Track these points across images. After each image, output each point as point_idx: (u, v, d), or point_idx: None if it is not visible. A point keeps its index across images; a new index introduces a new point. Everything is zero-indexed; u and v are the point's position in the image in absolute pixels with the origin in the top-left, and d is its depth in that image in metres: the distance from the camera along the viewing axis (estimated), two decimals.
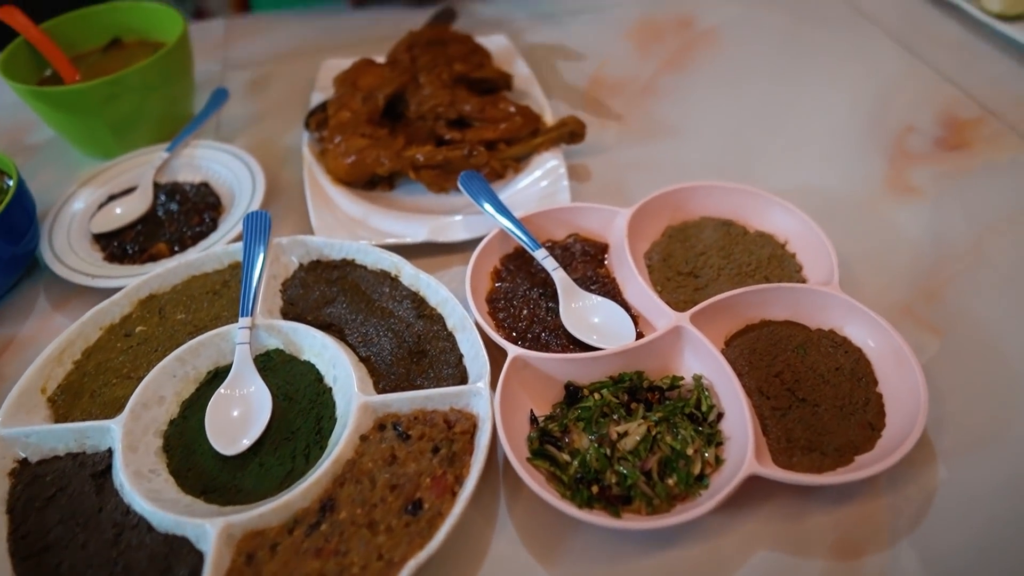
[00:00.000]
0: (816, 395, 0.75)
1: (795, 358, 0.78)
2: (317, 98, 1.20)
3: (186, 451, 0.75)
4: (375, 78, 1.08)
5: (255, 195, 1.02)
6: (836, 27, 1.43)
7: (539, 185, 1.01)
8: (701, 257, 0.90)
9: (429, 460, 0.70)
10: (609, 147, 1.13)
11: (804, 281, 0.86)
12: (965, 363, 0.81)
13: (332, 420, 0.76)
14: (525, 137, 1.05)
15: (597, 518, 0.65)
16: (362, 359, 0.81)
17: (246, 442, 0.74)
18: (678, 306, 0.81)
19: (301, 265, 0.92)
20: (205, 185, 1.09)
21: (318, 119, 1.10)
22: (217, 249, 0.93)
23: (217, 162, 1.11)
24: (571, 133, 1.06)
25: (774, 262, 0.88)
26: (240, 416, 0.76)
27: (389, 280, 0.89)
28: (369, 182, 1.04)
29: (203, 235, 1.01)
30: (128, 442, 0.73)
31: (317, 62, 1.31)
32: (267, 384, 0.78)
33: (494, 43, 1.31)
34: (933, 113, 1.18)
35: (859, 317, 0.79)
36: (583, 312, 0.83)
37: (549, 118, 1.11)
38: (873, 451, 0.70)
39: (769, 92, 1.25)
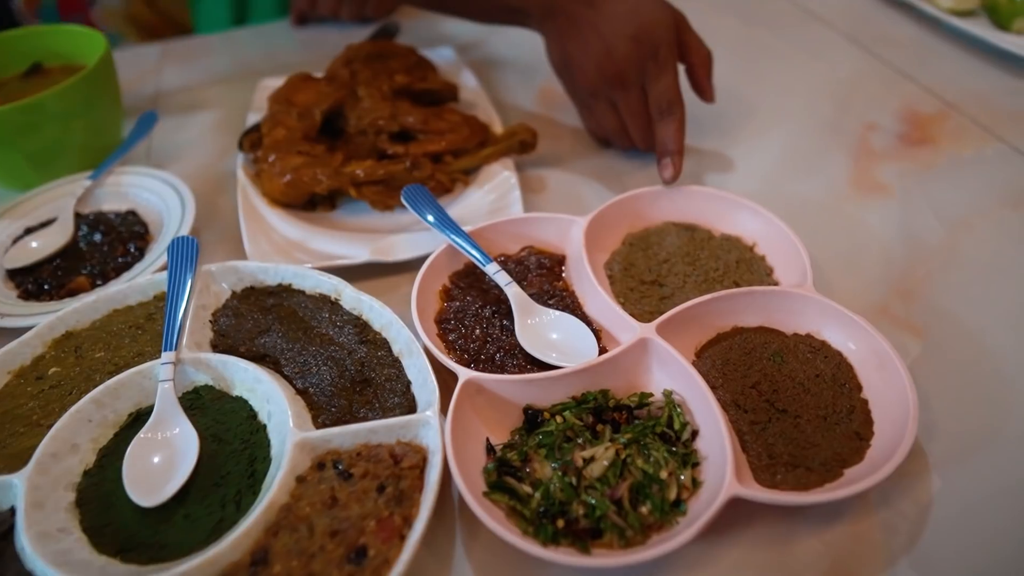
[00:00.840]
0: (797, 405, 0.69)
1: (772, 367, 0.72)
2: (253, 119, 1.13)
3: (102, 505, 0.67)
4: (311, 93, 1.02)
5: (184, 221, 0.94)
6: (788, 29, 1.40)
7: (489, 198, 0.95)
8: (665, 265, 0.84)
9: (374, 501, 0.63)
10: (563, 157, 1.08)
11: (776, 284, 0.81)
12: (950, 364, 0.76)
13: (267, 461, 0.68)
14: (473, 149, 0.99)
15: (564, 556, 0.58)
16: (299, 392, 0.74)
17: (169, 491, 0.66)
18: (643, 317, 0.75)
19: (234, 293, 0.85)
20: (132, 214, 1.01)
21: (252, 139, 1.03)
22: (141, 280, 0.85)
23: (145, 189, 1.03)
24: (522, 143, 1.00)
25: (743, 266, 0.83)
26: (162, 462, 0.68)
27: (329, 305, 0.82)
28: (308, 203, 0.97)
29: (128, 266, 0.93)
30: (33, 498, 0.64)
31: (257, 83, 1.24)
32: (194, 425, 0.70)
33: (440, 56, 1.26)
34: (893, 110, 1.15)
35: (837, 319, 0.74)
36: (540, 329, 0.76)
37: (499, 129, 1.05)
38: (862, 463, 0.64)
39: (724, 97, 1.21)
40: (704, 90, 1.01)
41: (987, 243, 0.90)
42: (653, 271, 0.83)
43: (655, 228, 0.89)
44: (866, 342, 0.71)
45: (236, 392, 0.74)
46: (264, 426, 0.71)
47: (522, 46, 1.39)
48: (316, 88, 1.03)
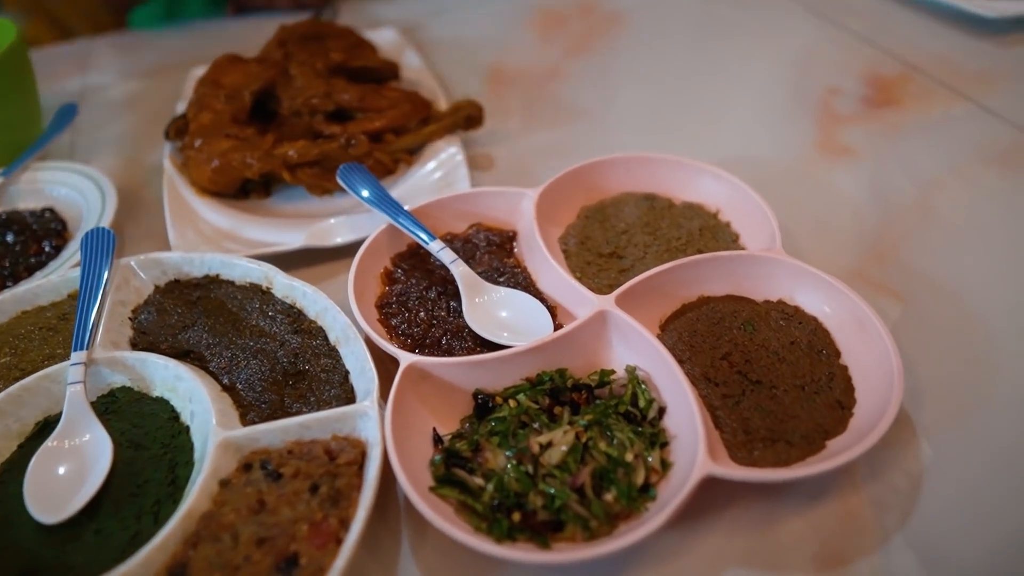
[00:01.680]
0: (772, 376, 0.63)
1: (743, 336, 0.66)
2: (183, 109, 1.05)
3: (2, 526, 0.59)
4: (240, 74, 0.95)
5: (104, 214, 0.86)
6: (747, 1, 1.36)
7: (434, 176, 0.89)
8: (623, 236, 0.78)
9: (306, 503, 0.56)
10: (513, 134, 1.02)
11: (743, 250, 0.75)
12: (932, 326, 0.71)
13: (189, 466, 0.61)
14: (415, 126, 0.93)
15: (521, 553, 0.51)
16: (225, 388, 0.67)
17: (75, 505, 0.58)
18: (601, 291, 0.69)
19: (157, 287, 0.77)
20: (50, 211, 0.93)
21: (178, 126, 0.95)
22: (54, 278, 0.77)
23: (65, 185, 0.95)
24: (468, 118, 0.94)
25: (707, 233, 0.77)
26: (70, 473, 0.60)
27: (260, 294, 0.74)
28: (241, 190, 0.90)
29: (42, 265, 0.84)
30: None
31: (188, 74, 1.16)
32: (108, 430, 0.63)
33: (382, 38, 1.19)
34: (855, 74, 1.10)
35: (810, 282, 0.68)
36: (489, 307, 0.70)
37: (444, 106, 0.99)
38: (846, 433, 0.59)
39: (683, 69, 1.16)
40: None
41: (962, 201, 0.86)
42: (611, 243, 0.77)
43: (612, 199, 0.83)
44: (843, 305, 0.66)
45: (156, 393, 0.67)
46: (187, 428, 0.64)
47: (467, 26, 1.33)
48: (245, 69, 0.96)
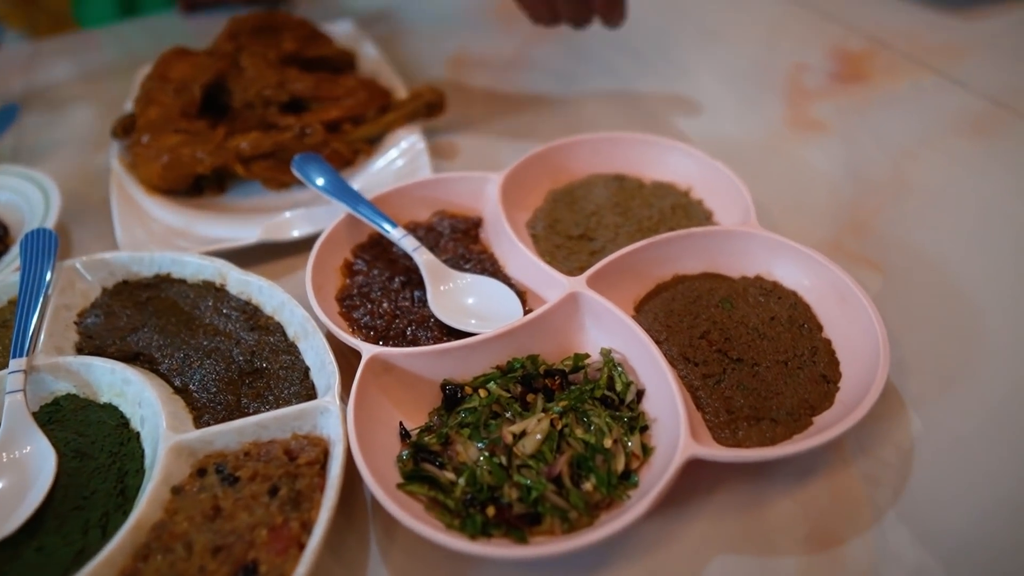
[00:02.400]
0: (753, 353, 0.60)
1: (721, 314, 0.63)
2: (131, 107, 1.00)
3: None
4: (188, 67, 0.91)
5: (48, 217, 0.82)
6: None
7: (395, 166, 0.85)
8: (593, 218, 0.75)
9: (265, 507, 0.52)
10: (475, 120, 0.99)
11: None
12: (914, 296, 0.68)
13: (140, 474, 0.57)
14: (374, 115, 0.89)
15: (497, 549, 0.48)
16: (177, 390, 0.63)
17: (15, 521, 0.54)
18: (572, 273, 0.66)
19: (104, 290, 0.73)
20: None
21: (125, 123, 0.91)
22: None
23: (5, 189, 0.90)
24: (428, 105, 0.90)
25: (679, 212, 0.75)
26: (9, 488, 0.56)
27: (214, 292, 0.70)
28: (194, 187, 0.86)
29: None
30: None
31: (137, 73, 1.12)
32: (52, 441, 0.58)
33: (338, 29, 1.15)
34: (822, 50, 1.09)
35: (788, 255, 0.66)
36: (455, 295, 0.66)
37: (402, 95, 0.96)
38: (833, 408, 0.56)
39: (647, 52, 1.14)
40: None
41: (936, 172, 0.84)
42: (580, 225, 0.74)
43: (580, 181, 0.81)
44: (822, 277, 0.64)
45: (104, 399, 0.63)
46: (137, 434, 0.60)
47: (427, 17, 1.29)
48: (194, 61, 0.92)
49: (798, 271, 0.65)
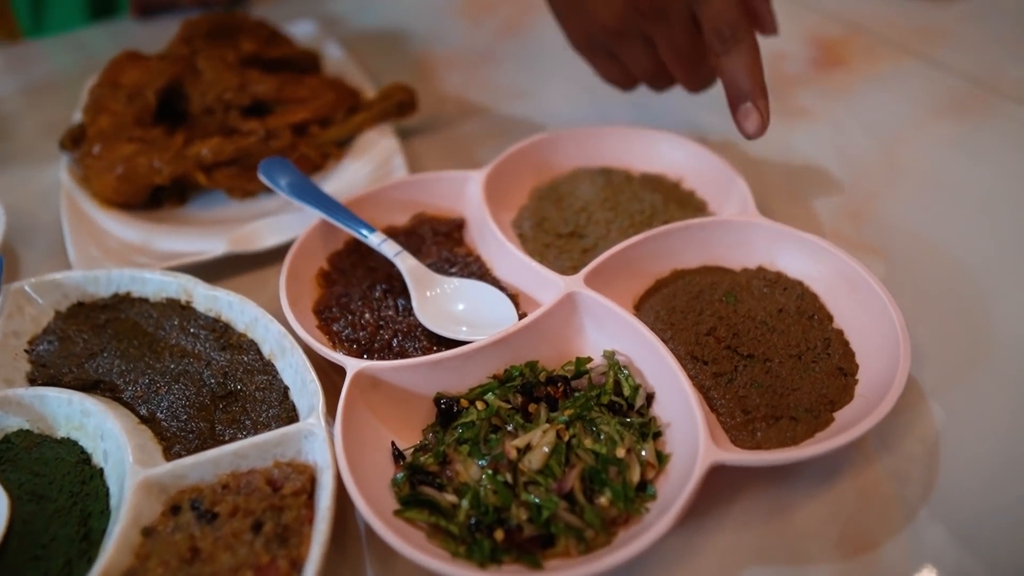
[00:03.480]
0: (764, 348, 0.57)
1: (726, 308, 0.60)
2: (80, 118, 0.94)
3: None
4: (141, 72, 0.85)
5: None
6: None
7: (367, 169, 0.81)
8: (582, 214, 0.71)
9: (249, 545, 0.47)
10: (450, 120, 0.94)
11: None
12: (919, 281, 0.66)
13: (105, 516, 0.52)
14: (342, 117, 0.85)
15: None
16: (144, 420, 0.57)
17: None
18: (566, 272, 0.62)
19: (58, 314, 0.67)
20: None
21: (74, 134, 0.85)
22: None
23: None
24: (399, 104, 0.86)
25: (672, 205, 0.71)
26: None
27: (179, 310, 0.65)
28: (152, 199, 0.80)
29: None
30: None
31: (86, 83, 1.05)
32: (3, 483, 0.53)
33: (300, 31, 1.10)
34: (799, 38, 1.06)
35: (791, 244, 0.63)
36: (442, 301, 0.62)
37: (371, 95, 0.91)
38: (854, 402, 0.53)
39: None
40: (764, 16, 0.75)
41: (926, 154, 0.82)
42: (570, 222, 0.71)
43: (564, 177, 0.77)
44: (829, 265, 0.61)
45: (61, 433, 0.57)
46: (100, 471, 0.54)
47: (391, 18, 1.25)
48: (146, 66, 0.86)
49: (802, 260, 0.62)
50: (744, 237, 0.64)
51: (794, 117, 0.90)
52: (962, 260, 0.67)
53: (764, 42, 1.05)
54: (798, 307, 0.60)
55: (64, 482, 0.54)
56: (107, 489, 0.53)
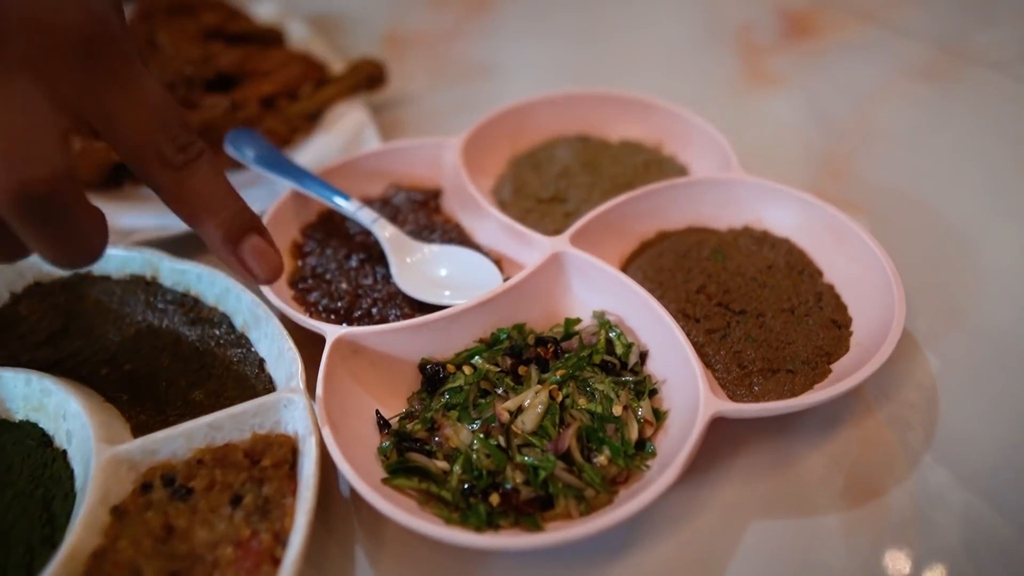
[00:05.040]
0: (756, 303, 0.55)
1: (714, 266, 0.59)
2: None
3: None
4: None
5: None
6: None
7: (338, 142, 0.77)
8: (562, 179, 0.70)
9: (228, 519, 0.44)
10: (420, 95, 0.92)
11: None
12: (903, 234, 0.65)
13: (70, 499, 0.48)
14: (311, 90, 0.82)
15: (511, 539, 0.41)
16: (109, 399, 0.54)
17: None
18: (549, 236, 0.60)
19: (13, 294, 0.63)
20: None
21: None
22: None
23: None
24: (368, 78, 0.83)
25: (653, 167, 0.70)
26: None
27: (144, 286, 0.62)
28: (112, 179, 0.76)
29: None
30: None
31: None
32: None
33: (261, 10, 1.06)
34: (766, 10, 1.06)
35: (776, 199, 0.61)
36: (423, 266, 0.60)
37: (339, 70, 0.88)
38: (850, 353, 0.52)
39: (588, 18, 1.09)
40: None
41: (900, 116, 0.82)
42: (549, 187, 0.69)
43: (541, 144, 0.75)
44: (816, 219, 0.60)
45: (19, 416, 0.53)
46: (63, 452, 0.51)
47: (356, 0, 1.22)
48: None
49: (789, 216, 0.61)
50: (729, 195, 0.63)
51: (767, 84, 0.89)
52: (942, 213, 0.67)
53: (730, 15, 1.05)
54: (787, 262, 0.58)
55: (23, 467, 0.50)
56: (71, 471, 0.50)
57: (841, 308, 0.55)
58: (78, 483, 0.49)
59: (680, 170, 0.70)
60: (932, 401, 0.51)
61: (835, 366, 0.51)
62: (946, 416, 0.50)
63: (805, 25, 1.01)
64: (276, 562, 0.42)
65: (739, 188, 0.62)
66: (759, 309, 0.55)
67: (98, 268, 0.63)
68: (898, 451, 0.48)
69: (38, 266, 0.63)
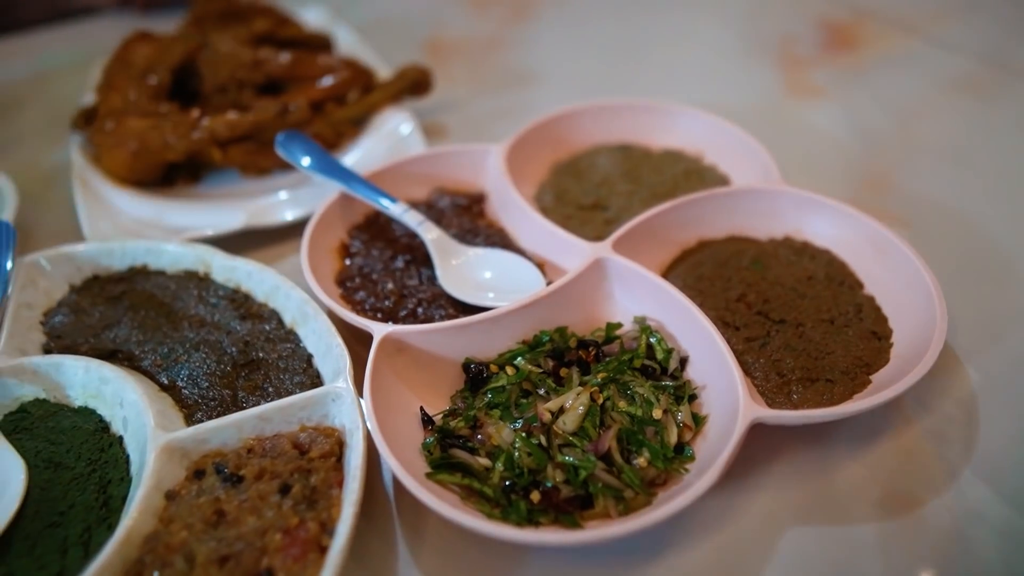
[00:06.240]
0: (795, 313, 0.56)
1: (754, 275, 0.59)
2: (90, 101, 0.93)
3: None
4: (154, 50, 0.84)
5: (4, 210, 0.74)
6: None
7: (384, 146, 0.80)
8: (603, 187, 0.71)
9: (276, 507, 0.46)
10: (462, 101, 0.94)
11: None
12: (944, 248, 0.65)
13: (125, 483, 0.50)
14: (358, 96, 0.84)
15: (550, 535, 0.42)
16: (164, 388, 0.56)
17: None
18: (590, 240, 0.61)
19: (72, 287, 0.66)
20: None
21: (86, 113, 0.84)
22: None
23: None
24: (414, 83, 0.85)
25: (693, 177, 0.70)
26: None
27: (196, 281, 0.64)
28: (165, 178, 0.79)
29: None
30: None
31: (88, 75, 1.04)
32: (20, 451, 0.51)
33: (310, 16, 1.09)
34: (808, 21, 1.07)
35: (817, 211, 0.62)
36: (467, 269, 0.61)
37: (385, 77, 0.90)
38: (890, 365, 0.52)
39: (629, 28, 1.10)
40: None
41: (942, 128, 0.82)
42: (590, 194, 0.70)
43: (583, 152, 0.76)
44: (857, 231, 0.60)
45: (78, 402, 0.56)
46: (119, 438, 0.53)
47: (393, 7, 1.24)
48: (159, 44, 0.85)
49: (830, 227, 0.61)
50: (770, 205, 0.63)
51: (808, 96, 0.89)
52: (985, 227, 0.67)
53: (772, 26, 1.05)
54: (827, 273, 0.59)
55: (82, 450, 0.52)
56: (127, 456, 0.52)
57: (881, 320, 0.55)
58: (133, 467, 0.51)
59: (721, 180, 0.71)
60: (972, 416, 0.51)
61: (874, 377, 0.51)
62: (986, 431, 0.50)
63: (847, 37, 1.01)
64: (322, 550, 0.43)
65: (780, 199, 0.63)
66: (799, 319, 0.55)
67: (153, 263, 0.66)
68: (936, 464, 0.48)
69: (96, 260, 0.66)
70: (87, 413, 0.55)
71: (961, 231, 0.67)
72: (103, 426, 0.54)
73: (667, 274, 0.61)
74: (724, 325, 0.55)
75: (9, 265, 0.62)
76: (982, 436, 0.50)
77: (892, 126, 0.82)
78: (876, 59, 0.96)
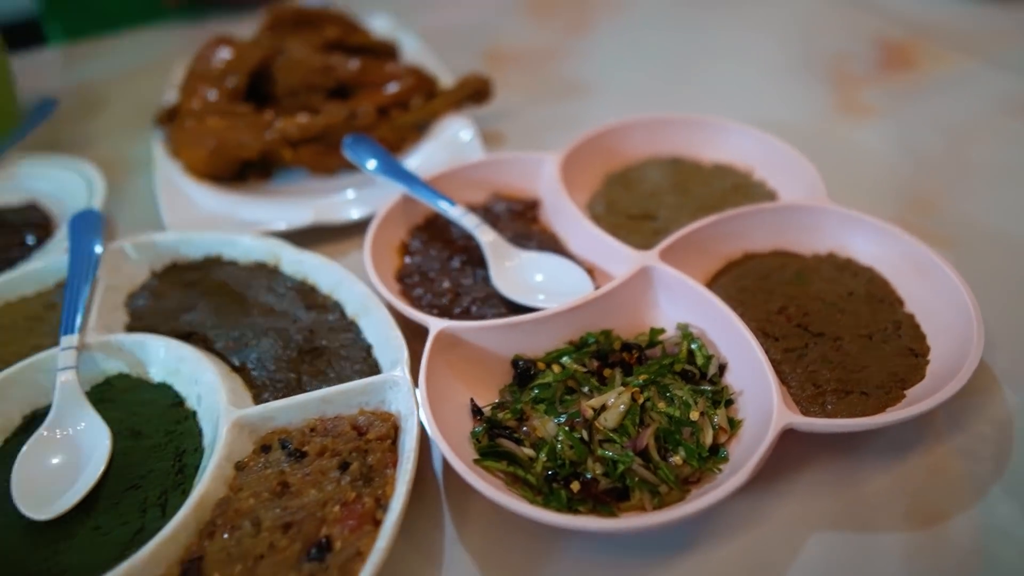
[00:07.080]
0: (834, 327, 0.58)
1: (795, 289, 0.61)
2: (174, 97, 0.99)
3: None
4: (233, 54, 0.89)
5: (93, 199, 0.80)
6: None
7: (444, 152, 0.83)
8: (652, 199, 0.73)
9: (336, 482, 0.49)
10: (520, 110, 0.97)
11: None
12: (988, 269, 0.66)
13: (198, 453, 0.55)
14: (421, 102, 0.88)
15: (590, 521, 0.45)
16: (235, 369, 0.60)
17: (70, 499, 0.51)
18: (639, 248, 0.63)
19: (153, 272, 0.71)
20: (32, 207, 0.87)
21: (169, 111, 0.89)
22: (36, 265, 0.70)
23: (45, 179, 0.89)
24: (475, 92, 0.89)
25: (740, 192, 0.73)
26: (62, 465, 0.54)
27: (266, 272, 0.68)
28: (239, 174, 0.84)
29: (25, 259, 0.78)
30: None
31: (169, 75, 1.10)
32: (105, 419, 0.56)
33: (376, 24, 1.14)
34: (863, 40, 1.07)
35: (861, 230, 0.64)
36: (520, 271, 0.64)
37: (447, 84, 0.94)
38: (925, 381, 0.53)
39: (684, 42, 1.13)
40: None
41: (993, 149, 0.83)
42: (640, 205, 0.72)
43: (635, 164, 0.79)
44: (899, 251, 0.61)
45: (157, 379, 0.61)
46: (193, 413, 0.58)
47: (456, 16, 1.28)
48: (238, 48, 0.90)
49: (873, 245, 0.63)
50: (814, 221, 0.65)
51: (859, 114, 0.90)
52: None
53: (827, 43, 1.06)
54: (868, 291, 0.61)
55: (160, 422, 0.57)
56: (200, 430, 0.56)
57: (920, 338, 0.57)
58: (206, 440, 0.55)
59: (769, 195, 0.73)
60: (1006, 436, 0.52)
61: (909, 392, 0.53)
62: (1018, 451, 0.51)
63: (903, 56, 1.02)
64: (377, 523, 0.47)
65: (825, 216, 0.64)
66: (837, 333, 0.57)
67: (227, 253, 0.71)
68: (966, 481, 0.50)
69: (175, 249, 0.71)
70: (164, 388, 0.60)
71: (1008, 254, 0.68)
72: (178, 401, 0.59)
73: (711, 284, 0.64)
74: (764, 335, 0.58)
75: (99, 250, 0.67)
76: (1014, 456, 0.51)
77: (944, 146, 0.83)
78: (931, 79, 0.97)
